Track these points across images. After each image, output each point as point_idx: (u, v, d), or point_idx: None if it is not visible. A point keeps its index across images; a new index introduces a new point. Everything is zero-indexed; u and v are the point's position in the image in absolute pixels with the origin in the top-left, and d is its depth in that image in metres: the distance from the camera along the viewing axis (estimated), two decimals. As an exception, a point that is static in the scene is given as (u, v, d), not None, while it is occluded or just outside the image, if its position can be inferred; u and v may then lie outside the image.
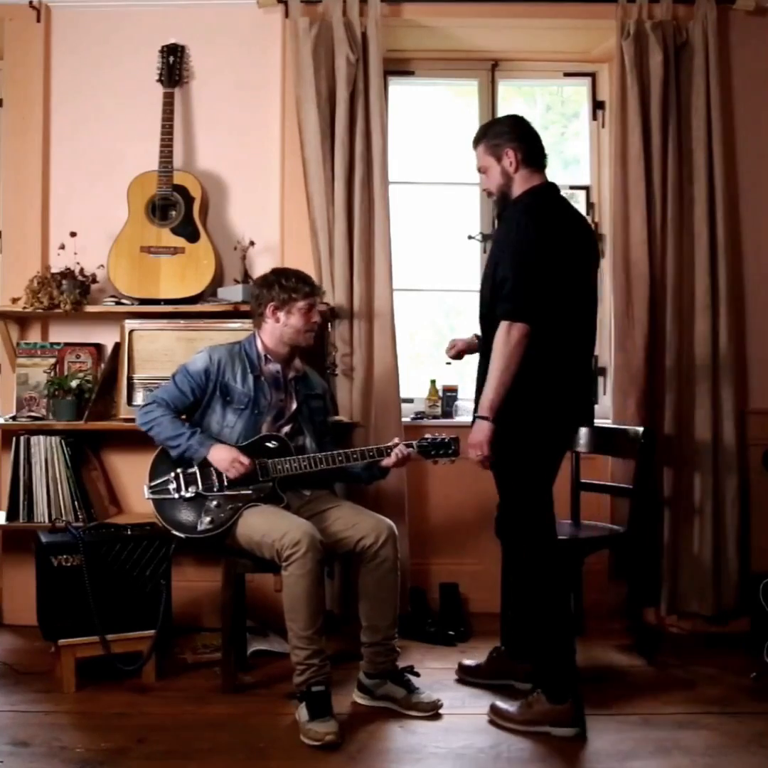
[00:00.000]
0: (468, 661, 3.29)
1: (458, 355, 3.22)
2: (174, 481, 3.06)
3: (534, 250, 2.72)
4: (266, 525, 2.94)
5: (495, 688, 3.14)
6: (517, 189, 2.89)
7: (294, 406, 3.22)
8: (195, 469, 3.06)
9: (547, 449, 2.88)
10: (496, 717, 2.89)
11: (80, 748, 2.67)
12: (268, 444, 3.12)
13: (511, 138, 2.90)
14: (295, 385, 3.24)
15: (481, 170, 2.97)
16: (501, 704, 2.92)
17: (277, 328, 3.15)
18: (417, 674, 3.10)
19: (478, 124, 4.16)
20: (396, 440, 3.19)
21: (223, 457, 3.04)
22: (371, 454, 3.13)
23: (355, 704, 3.01)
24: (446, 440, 3.17)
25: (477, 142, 2.97)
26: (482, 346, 2.96)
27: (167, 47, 3.87)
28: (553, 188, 2.94)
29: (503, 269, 2.74)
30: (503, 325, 2.71)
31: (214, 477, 3.05)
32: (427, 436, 3.20)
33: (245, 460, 3.03)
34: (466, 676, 3.24)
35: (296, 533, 2.84)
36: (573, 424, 3.12)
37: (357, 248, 3.77)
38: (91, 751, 2.65)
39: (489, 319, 2.83)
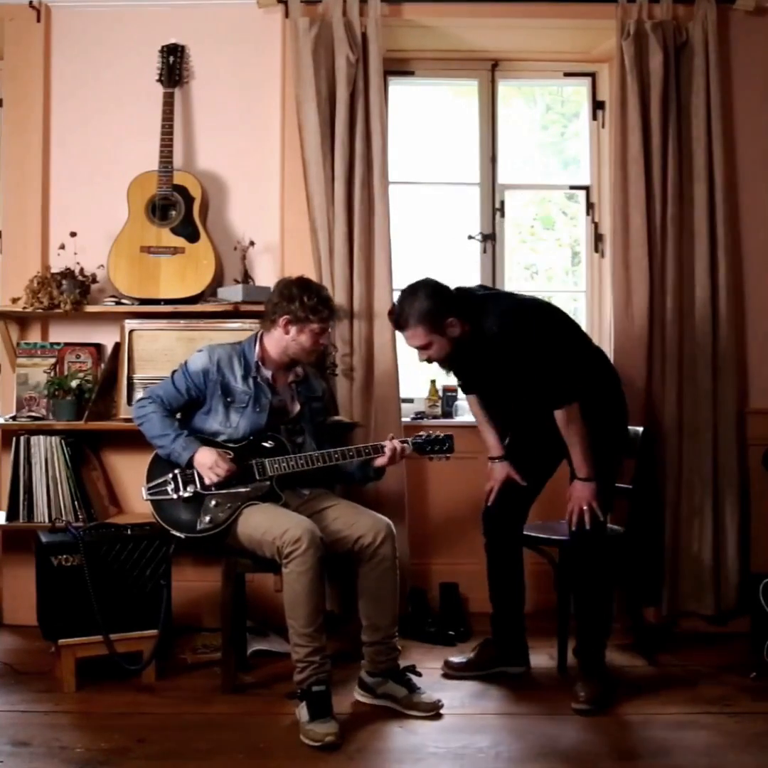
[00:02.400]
0: (456, 658, 3.31)
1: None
2: (172, 482, 3.06)
3: (555, 344, 3.01)
4: (266, 523, 2.94)
5: (488, 678, 3.21)
6: (460, 331, 3.00)
7: (297, 408, 3.22)
8: (193, 468, 3.06)
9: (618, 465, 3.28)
10: (586, 713, 2.95)
11: (80, 748, 2.67)
12: (264, 443, 3.12)
13: (446, 310, 2.97)
14: (297, 388, 3.25)
15: (421, 348, 3.03)
16: (578, 706, 2.97)
17: (285, 340, 3.13)
18: (419, 674, 3.10)
19: (478, 125, 4.19)
20: (391, 436, 3.20)
21: (203, 462, 3.02)
22: (367, 451, 3.15)
23: (356, 703, 3.01)
24: (441, 437, 3.21)
25: (407, 326, 2.99)
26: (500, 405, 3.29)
27: (167, 47, 3.86)
28: (475, 297, 3.08)
29: (540, 372, 2.99)
30: (563, 412, 2.99)
31: (213, 476, 3.06)
32: (421, 433, 3.23)
33: (224, 465, 3.02)
34: (457, 672, 3.26)
35: (297, 530, 2.84)
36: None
37: (357, 248, 3.77)
38: (91, 751, 2.65)
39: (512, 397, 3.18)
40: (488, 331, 2.98)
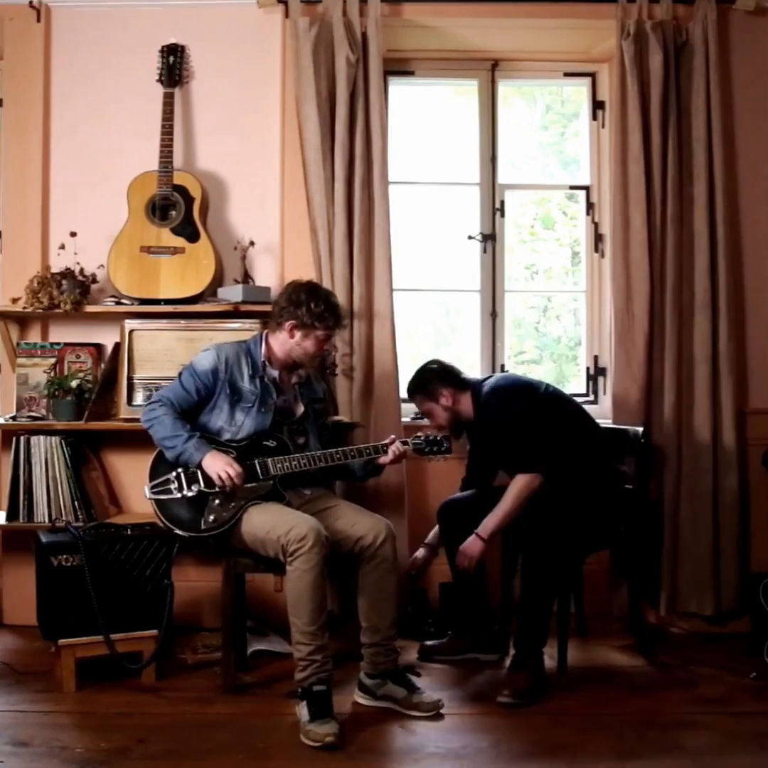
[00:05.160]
0: (430, 642, 3.45)
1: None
2: (175, 481, 3.05)
3: (528, 421, 3.27)
4: (271, 521, 2.94)
5: (460, 662, 3.36)
6: (465, 407, 3.39)
7: (301, 409, 3.23)
8: (198, 468, 3.05)
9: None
10: (509, 706, 2.99)
11: (80, 748, 2.67)
12: (266, 443, 3.12)
13: (439, 383, 3.39)
14: (300, 389, 3.25)
15: (425, 415, 3.47)
16: (502, 699, 3.01)
17: (289, 344, 3.13)
18: (418, 674, 3.11)
19: (478, 125, 4.19)
20: (392, 437, 3.21)
21: (215, 465, 3.01)
22: (368, 451, 3.16)
23: (356, 704, 3.01)
24: (439, 438, 3.23)
25: (412, 394, 3.47)
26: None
27: (167, 47, 3.86)
28: (482, 384, 3.41)
29: (513, 443, 3.28)
30: (525, 478, 3.22)
31: (216, 476, 3.05)
32: (419, 434, 3.25)
33: (235, 470, 3.01)
34: (432, 656, 3.39)
35: (302, 528, 2.84)
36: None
37: (357, 248, 3.76)
38: (91, 751, 2.65)
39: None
40: (480, 408, 3.35)
